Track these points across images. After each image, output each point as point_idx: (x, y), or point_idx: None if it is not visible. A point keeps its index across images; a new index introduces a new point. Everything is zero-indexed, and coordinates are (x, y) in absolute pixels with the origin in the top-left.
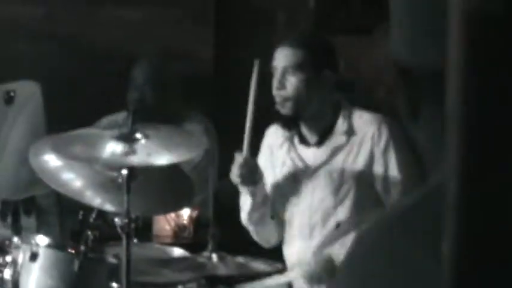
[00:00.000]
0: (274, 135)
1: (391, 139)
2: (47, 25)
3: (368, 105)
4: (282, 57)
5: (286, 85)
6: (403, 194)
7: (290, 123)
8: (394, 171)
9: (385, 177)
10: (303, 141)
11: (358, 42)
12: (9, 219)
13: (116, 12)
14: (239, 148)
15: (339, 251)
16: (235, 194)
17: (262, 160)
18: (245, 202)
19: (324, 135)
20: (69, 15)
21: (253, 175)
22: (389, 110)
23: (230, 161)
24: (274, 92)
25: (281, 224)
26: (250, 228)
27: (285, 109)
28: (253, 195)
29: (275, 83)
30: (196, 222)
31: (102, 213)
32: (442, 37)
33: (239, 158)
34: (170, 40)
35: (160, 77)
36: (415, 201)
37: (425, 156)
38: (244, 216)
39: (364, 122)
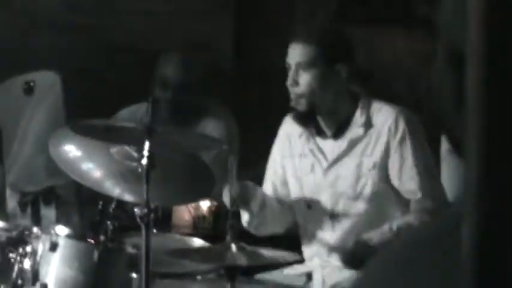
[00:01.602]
0: (292, 124)
1: (408, 132)
2: (68, 16)
3: (387, 96)
4: (295, 54)
5: (300, 81)
6: (419, 188)
7: (305, 119)
8: (409, 164)
9: (401, 170)
10: (321, 133)
11: (378, 32)
12: (29, 210)
13: (136, 3)
14: (259, 138)
15: (376, 236)
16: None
17: (280, 148)
18: (243, 212)
19: (341, 127)
20: (89, 6)
21: (244, 198)
22: (409, 101)
23: (251, 151)
24: (289, 88)
25: (291, 212)
26: (252, 231)
27: (300, 105)
28: (248, 210)
29: (289, 79)
30: (216, 212)
31: (121, 204)
32: None
33: (228, 188)
34: (191, 31)
35: (187, 71)
36: (436, 229)
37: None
38: (243, 222)
39: (382, 114)
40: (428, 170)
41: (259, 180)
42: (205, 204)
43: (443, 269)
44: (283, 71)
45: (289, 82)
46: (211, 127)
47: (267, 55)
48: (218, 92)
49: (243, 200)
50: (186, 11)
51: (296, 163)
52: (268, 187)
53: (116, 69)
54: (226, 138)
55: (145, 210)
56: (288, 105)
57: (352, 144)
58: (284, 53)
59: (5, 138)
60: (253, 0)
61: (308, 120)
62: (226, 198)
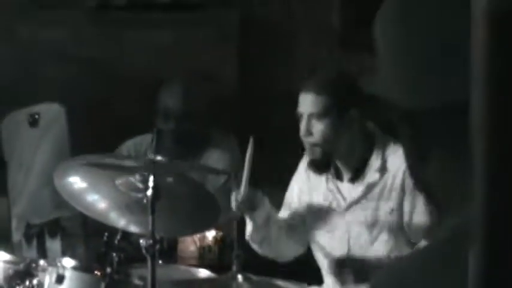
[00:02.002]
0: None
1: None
2: (72, 47)
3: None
4: (306, 104)
5: (313, 131)
6: (428, 236)
7: (321, 166)
8: (420, 212)
9: (412, 217)
10: (339, 176)
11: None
12: (34, 242)
13: (140, 34)
14: (263, 166)
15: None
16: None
17: (299, 183)
18: (248, 222)
19: (358, 171)
20: (93, 38)
21: (250, 203)
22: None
23: (255, 180)
24: (302, 138)
25: (299, 242)
26: (254, 246)
27: (314, 155)
28: (252, 219)
29: (302, 129)
30: (221, 243)
31: (127, 235)
32: (440, 75)
33: (238, 191)
34: (195, 61)
35: (189, 100)
36: (434, 246)
37: (437, 196)
38: (247, 235)
39: (397, 156)
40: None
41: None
42: (210, 235)
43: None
44: (287, 99)
45: (302, 132)
46: (216, 157)
47: (271, 83)
48: (222, 120)
49: (249, 205)
50: (190, 41)
51: (314, 201)
52: (283, 215)
53: (120, 100)
54: (230, 168)
55: (151, 242)
56: (291, 133)
57: (369, 189)
58: (288, 82)
59: (10, 170)
60: (257, 29)
61: (324, 167)
62: (233, 203)
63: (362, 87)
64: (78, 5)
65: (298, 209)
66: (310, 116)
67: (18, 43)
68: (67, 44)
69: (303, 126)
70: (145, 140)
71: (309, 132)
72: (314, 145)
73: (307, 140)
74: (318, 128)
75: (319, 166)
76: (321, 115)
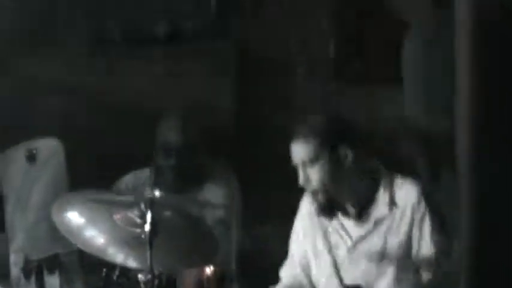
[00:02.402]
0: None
1: (427, 212)
2: (69, 80)
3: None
4: (298, 153)
5: (311, 178)
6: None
7: (327, 211)
8: (427, 246)
9: (419, 250)
10: (344, 213)
11: (377, 91)
12: (33, 277)
13: (138, 66)
14: (261, 202)
15: None
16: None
17: (302, 227)
18: None
19: (364, 207)
20: (91, 70)
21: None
22: (410, 163)
23: (253, 215)
24: (302, 186)
25: None
26: None
27: (317, 201)
28: None
29: (300, 179)
30: (220, 277)
31: (125, 270)
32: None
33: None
34: (192, 94)
35: (188, 134)
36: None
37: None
38: None
39: (405, 191)
40: (442, 254)
41: (263, 238)
42: (209, 269)
43: None
44: (284, 130)
45: (301, 181)
46: (214, 191)
47: (268, 115)
48: (220, 153)
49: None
50: (188, 74)
51: (319, 241)
52: (288, 272)
53: (118, 132)
54: (228, 202)
55: (149, 277)
56: (288, 165)
57: (377, 224)
58: (284, 113)
59: (8, 205)
60: (254, 61)
61: (330, 211)
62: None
63: (355, 127)
64: (75, 38)
65: (302, 261)
66: (304, 164)
67: (14, 77)
68: (63, 76)
69: (300, 175)
70: (144, 173)
71: (307, 179)
72: (315, 192)
73: (307, 188)
74: (314, 174)
75: (325, 210)
76: (314, 160)
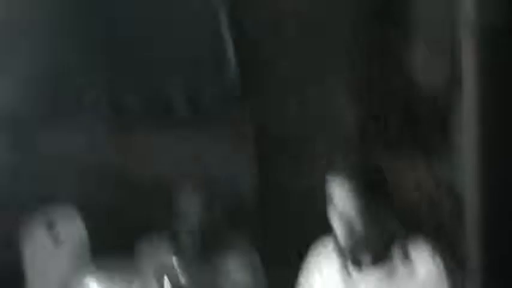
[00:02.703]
0: (323, 256)
1: (444, 275)
2: (89, 154)
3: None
4: (346, 206)
5: (355, 231)
6: None
7: (345, 252)
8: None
9: None
10: (356, 262)
11: (397, 157)
12: None
13: (156, 140)
14: (284, 276)
15: None
16: None
17: (310, 284)
18: None
19: (378, 259)
20: (108, 144)
21: None
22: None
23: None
24: (343, 240)
25: None
26: None
27: (354, 251)
28: None
29: (342, 232)
30: None
31: None
32: None
33: None
34: (211, 168)
35: (208, 207)
36: None
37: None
38: None
39: (420, 255)
40: None
41: None
42: None
43: None
44: (305, 202)
45: (343, 234)
46: (235, 264)
47: (288, 189)
48: (240, 225)
49: None
50: (204, 148)
51: None
52: None
53: (138, 207)
54: (249, 274)
55: None
56: (308, 237)
57: (389, 277)
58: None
59: (29, 281)
60: (274, 135)
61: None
62: None
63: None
64: (94, 111)
65: None
66: (350, 218)
67: (37, 151)
68: (84, 151)
69: (343, 228)
70: (164, 241)
71: (351, 233)
72: (356, 244)
73: (347, 241)
74: (358, 228)
75: (344, 252)
76: (360, 217)
